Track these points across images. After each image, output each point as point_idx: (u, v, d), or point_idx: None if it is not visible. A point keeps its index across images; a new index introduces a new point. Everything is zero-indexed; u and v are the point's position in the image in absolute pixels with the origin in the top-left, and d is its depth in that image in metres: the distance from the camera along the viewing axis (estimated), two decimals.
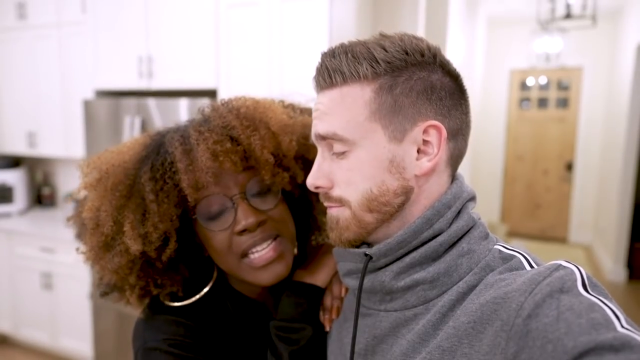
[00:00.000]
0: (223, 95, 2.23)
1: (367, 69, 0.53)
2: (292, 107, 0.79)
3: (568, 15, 3.48)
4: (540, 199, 5.85)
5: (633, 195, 4.17)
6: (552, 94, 5.70)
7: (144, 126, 2.32)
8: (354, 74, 0.53)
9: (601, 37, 5.10)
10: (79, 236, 0.72)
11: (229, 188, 0.67)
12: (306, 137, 0.71)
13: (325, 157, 0.58)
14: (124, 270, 0.67)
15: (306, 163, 0.72)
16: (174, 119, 2.24)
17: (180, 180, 0.64)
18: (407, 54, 0.53)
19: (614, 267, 4.34)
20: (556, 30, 4.53)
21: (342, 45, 0.55)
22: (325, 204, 0.60)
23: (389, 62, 0.53)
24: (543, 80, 5.71)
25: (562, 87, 5.64)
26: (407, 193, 0.55)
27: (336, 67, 0.54)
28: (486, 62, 5.45)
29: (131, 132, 2.33)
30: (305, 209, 0.79)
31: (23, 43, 3.06)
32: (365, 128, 0.54)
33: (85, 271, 2.67)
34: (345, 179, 0.56)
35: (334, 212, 0.59)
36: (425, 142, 0.54)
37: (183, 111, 2.23)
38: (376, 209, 0.55)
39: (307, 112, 0.78)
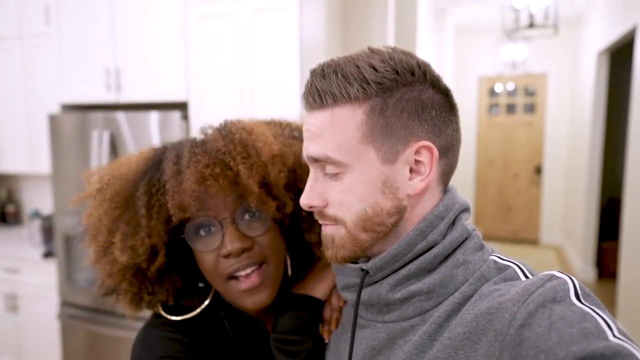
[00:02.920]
0: (194, 107, 2.20)
1: (357, 90, 0.52)
2: (289, 128, 0.79)
3: (531, 25, 3.60)
4: (511, 202, 5.99)
5: (599, 196, 4.32)
6: (520, 100, 5.87)
7: (112, 140, 2.26)
8: (344, 95, 0.53)
9: (563, 44, 5.30)
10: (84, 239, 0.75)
11: (220, 211, 0.68)
12: (300, 166, 0.72)
13: (318, 177, 0.58)
14: (117, 276, 0.70)
15: (297, 193, 0.73)
16: (144, 133, 2.21)
17: (168, 199, 0.66)
18: (397, 73, 0.53)
19: (583, 266, 4.47)
20: (521, 38, 4.68)
21: (331, 64, 0.55)
22: (320, 222, 0.60)
23: (379, 84, 0.52)
24: (511, 86, 5.88)
25: (529, 93, 5.82)
26: (400, 212, 0.55)
27: (326, 88, 0.53)
28: (455, 70, 5.58)
29: (99, 147, 2.27)
30: (297, 235, 0.80)
31: None
32: (357, 151, 0.53)
33: (53, 291, 2.57)
34: (339, 200, 0.56)
35: (328, 230, 0.59)
36: (417, 161, 0.55)
37: (153, 124, 2.19)
38: (370, 228, 0.55)
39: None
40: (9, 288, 2.73)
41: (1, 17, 2.86)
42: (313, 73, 0.56)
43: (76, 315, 2.46)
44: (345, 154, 0.54)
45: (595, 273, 4.46)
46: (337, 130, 0.54)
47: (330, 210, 0.57)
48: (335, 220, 0.57)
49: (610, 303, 3.74)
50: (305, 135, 0.58)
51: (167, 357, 0.67)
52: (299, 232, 0.78)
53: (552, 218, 5.72)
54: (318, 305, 0.72)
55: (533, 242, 5.86)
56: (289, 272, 0.79)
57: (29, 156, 2.90)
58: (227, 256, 0.67)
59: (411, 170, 0.55)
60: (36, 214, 2.99)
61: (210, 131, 0.73)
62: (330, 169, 0.55)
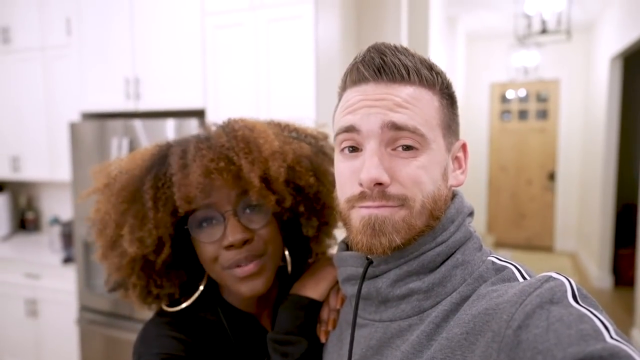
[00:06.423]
0: (211, 115, 2.24)
1: (439, 81, 0.57)
2: (287, 129, 0.82)
3: (544, 31, 3.60)
4: (524, 209, 5.94)
5: (614, 201, 4.26)
6: (532, 106, 5.84)
7: (131, 148, 2.31)
8: (426, 78, 0.56)
9: (576, 50, 5.27)
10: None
11: (223, 204, 0.70)
12: (299, 163, 0.75)
13: (383, 152, 0.54)
14: (126, 269, 0.73)
15: (297, 189, 0.76)
16: (161, 140, 2.24)
17: (174, 192, 0.68)
18: (445, 77, 0.59)
19: (599, 273, 4.40)
20: (533, 44, 4.67)
21: (398, 47, 0.57)
22: (374, 203, 0.54)
23: (443, 79, 0.58)
24: (522, 92, 5.86)
25: (541, 99, 5.79)
26: (447, 203, 0.59)
27: (412, 66, 0.56)
28: (467, 77, 5.58)
29: (119, 154, 2.32)
30: (294, 230, 0.82)
31: (5, 67, 3.04)
32: (435, 132, 0.56)
33: (72, 296, 2.62)
34: (413, 177, 0.54)
35: (386, 212, 0.53)
36: (456, 157, 0.61)
37: (170, 132, 2.23)
38: (435, 214, 0.56)
39: (307, 135, 0.82)
40: (29, 293, 2.78)
41: (25, 29, 2.94)
42: (388, 47, 0.56)
43: (95, 320, 2.49)
44: (428, 131, 0.55)
45: (612, 280, 4.39)
46: (423, 107, 0.55)
47: (396, 189, 0.53)
48: (402, 200, 0.53)
49: (627, 311, 3.68)
50: (380, 103, 0.54)
51: (164, 354, 0.68)
52: (296, 228, 0.81)
53: (567, 224, 5.65)
54: (315, 306, 0.73)
55: (547, 249, 5.79)
56: (289, 268, 0.81)
57: (50, 164, 2.96)
58: (228, 247, 0.69)
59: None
60: (56, 221, 3.05)
61: (214, 128, 0.76)
62: (408, 142, 0.54)
